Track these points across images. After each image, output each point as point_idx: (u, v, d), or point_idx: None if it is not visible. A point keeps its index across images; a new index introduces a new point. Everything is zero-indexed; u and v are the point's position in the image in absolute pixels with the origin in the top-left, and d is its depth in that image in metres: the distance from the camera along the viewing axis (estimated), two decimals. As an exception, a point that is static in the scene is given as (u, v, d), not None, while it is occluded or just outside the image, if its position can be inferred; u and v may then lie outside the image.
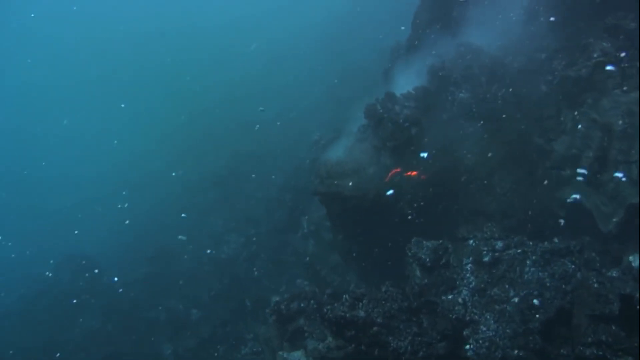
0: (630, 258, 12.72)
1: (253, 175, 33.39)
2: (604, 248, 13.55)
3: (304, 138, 33.68)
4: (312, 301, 14.60)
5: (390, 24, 33.19)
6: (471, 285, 12.08)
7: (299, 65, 51.99)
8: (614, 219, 12.74)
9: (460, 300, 11.87)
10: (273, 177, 31.54)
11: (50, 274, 32.45)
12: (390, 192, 13.69)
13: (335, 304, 11.62)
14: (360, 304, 11.50)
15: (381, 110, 14.48)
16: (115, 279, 29.74)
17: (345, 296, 11.69)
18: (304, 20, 61.62)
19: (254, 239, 26.51)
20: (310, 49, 53.34)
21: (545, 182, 14.14)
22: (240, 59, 63.83)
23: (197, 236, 30.44)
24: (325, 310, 11.41)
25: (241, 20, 73.24)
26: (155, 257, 30.99)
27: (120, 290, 28.95)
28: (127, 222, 39.91)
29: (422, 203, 14.07)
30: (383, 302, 11.32)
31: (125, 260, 33.79)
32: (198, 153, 47.89)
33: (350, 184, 14.05)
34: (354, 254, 15.30)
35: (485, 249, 12.33)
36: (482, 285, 12.00)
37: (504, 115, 15.00)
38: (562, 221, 13.49)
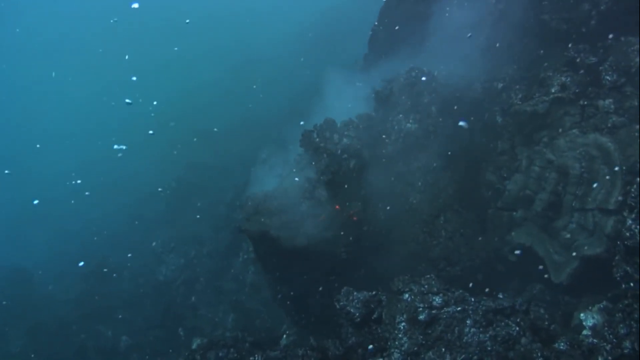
0: (582, 316, 11.56)
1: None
2: (555, 299, 12.51)
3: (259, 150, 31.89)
4: (232, 349, 12.89)
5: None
6: (403, 348, 10.57)
7: (265, 71, 50.27)
8: (567, 270, 11.68)
9: (390, 365, 10.37)
10: (227, 194, 29.64)
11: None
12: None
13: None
14: (275, 368, 9.90)
15: (317, 140, 12.91)
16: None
17: None
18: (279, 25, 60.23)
19: (195, 260, 24.57)
20: (279, 55, 51.82)
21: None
22: (208, 63, 62.11)
23: (137, 254, 28.28)
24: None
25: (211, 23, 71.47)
26: (92, 273, 28.77)
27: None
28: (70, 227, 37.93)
29: (358, 245, 12.52)
30: (299, 370, 9.73)
31: (62, 274, 31.55)
32: (157, 161, 45.99)
33: (279, 222, 12.41)
34: (283, 298, 13.64)
35: (422, 305, 10.85)
36: (416, 348, 10.53)
37: (454, 150, 13.68)
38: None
